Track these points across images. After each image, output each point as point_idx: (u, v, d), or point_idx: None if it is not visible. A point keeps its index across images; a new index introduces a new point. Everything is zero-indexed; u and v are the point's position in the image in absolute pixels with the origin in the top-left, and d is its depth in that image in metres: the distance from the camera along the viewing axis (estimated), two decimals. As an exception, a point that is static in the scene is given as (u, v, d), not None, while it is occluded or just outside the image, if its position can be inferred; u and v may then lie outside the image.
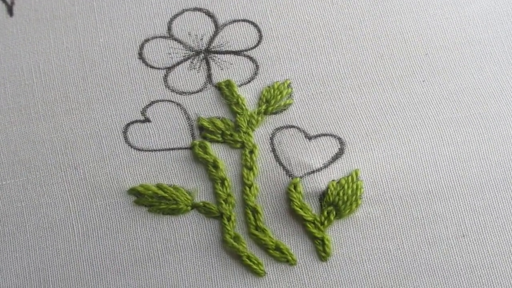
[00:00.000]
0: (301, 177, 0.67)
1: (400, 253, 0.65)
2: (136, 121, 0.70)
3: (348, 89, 0.71)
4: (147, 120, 0.70)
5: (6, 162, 0.69)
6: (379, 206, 0.66)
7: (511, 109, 0.70)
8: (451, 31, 0.73)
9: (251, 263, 0.65)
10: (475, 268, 0.65)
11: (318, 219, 0.66)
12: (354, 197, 0.66)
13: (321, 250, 0.65)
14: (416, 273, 0.65)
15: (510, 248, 0.66)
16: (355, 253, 0.66)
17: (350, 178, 0.67)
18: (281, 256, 0.65)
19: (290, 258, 0.65)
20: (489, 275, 0.65)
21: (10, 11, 0.76)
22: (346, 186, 0.66)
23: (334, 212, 0.66)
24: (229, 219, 0.67)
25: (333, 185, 0.67)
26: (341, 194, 0.66)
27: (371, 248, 0.66)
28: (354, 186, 0.66)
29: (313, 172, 0.68)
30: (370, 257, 0.65)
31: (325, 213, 0.66)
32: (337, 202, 0.66)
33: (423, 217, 0.66)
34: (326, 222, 0.66)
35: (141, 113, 0.70)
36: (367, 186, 0.67)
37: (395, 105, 0.70)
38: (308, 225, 0.66)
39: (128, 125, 0.70)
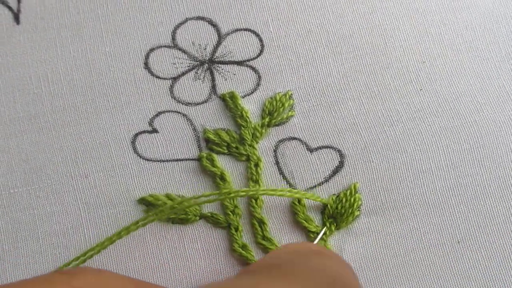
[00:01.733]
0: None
1: (397, 260, 0.70)
2: (144, 132, 0.74)
3: (348, 100, 0.74)
4: (154, 130, 0.74)
5: (18, 170, 0.73)
6: (377, 217, 0.71)
7: (507, 116, 0.73)
8: (448, 37, 0.76)
9: (258, 271, 0.70)
10: (470, 273, 0.69)
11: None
12: (351, 209, 0.70)
13: (323, 259, 0.70)
14: (413, 279, 0.69)
15: (505, 252, 0.70)
16: (354, 262, 0.70)
17: (348, 192, 0.71)
18: (286, 264, 0.70)
19: (294, 266, 0.70)
20: (485, 280, 0.69)
21: (17, 19, 0.78)
22: (344, 200, 0.71)
23: (335, 224, 0.71)
24: (236, 229, 0.71)
25: (332, 199, 0.71)
26: (339, 207, 0.71)
27: (369, 256, 0.70)
28: (352, 200, 0.71)
29: (315, 186, 0.72)
30: (369, 265, 0.70)
31: (327, 224, 0.71)
32: (336, 215, 0.71)
33: (419, 227, 0.70)
34: (327, 232, 0.70)
35: (149, 124, 0.74)
36: (366, 198, 0.71)
37: (392, 115, 0.73)
38: (311, 235, 0.70)
39: (136, 135, 0.74)
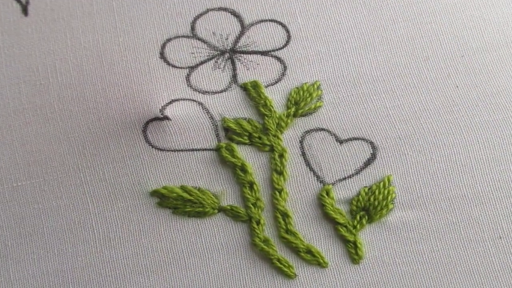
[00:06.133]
0: (333, 184, 0.74)
1: (434, 255, 0.71)
2: (155, 119, 0.75)
3: (381, 92, 0.76)
4: (166, 118, 0.75)
5: (21, 163, 0.75)
6: (413, 211, 0.72)
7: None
8: (488, 32, 0.79)
9: (281, 266, 0.71)
10: None
11: (351, 223, 0.72)
12: (385, 202, 0.72)
13: (353, 253, 0.71)
14: (451, 275, 0.71)
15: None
16: (388, 256, 0.71)
17: (382, 184, 0.73)
18: (312, 259, 0.71)
19: (321, 260, 0.71)
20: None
21: (25, 10, 0.82)
22: (377, 192, 0.73)
23: (366, 217, 0.72)
24: (258, 222, 0.72)
25: (364, 190, 0.73)
26: (372, 199, 0.72)
27: (404, 251, 0.71)
28: (386, 192, 0.73)
29: (345, 178, 0.74)
30: (403, 260, 0.71)
31: (358, 217, 0.72)
32: (368, 207, 0.72)
33: (458, 221, 0.72)
34: (358, 226, 0.72)
35: (160, 111, 0.76)
36: (400, 191, 0.73)
37: (429, 108, 0.76)
38: (340, 228, 0.72)
39: (147, 123, 0.76)
